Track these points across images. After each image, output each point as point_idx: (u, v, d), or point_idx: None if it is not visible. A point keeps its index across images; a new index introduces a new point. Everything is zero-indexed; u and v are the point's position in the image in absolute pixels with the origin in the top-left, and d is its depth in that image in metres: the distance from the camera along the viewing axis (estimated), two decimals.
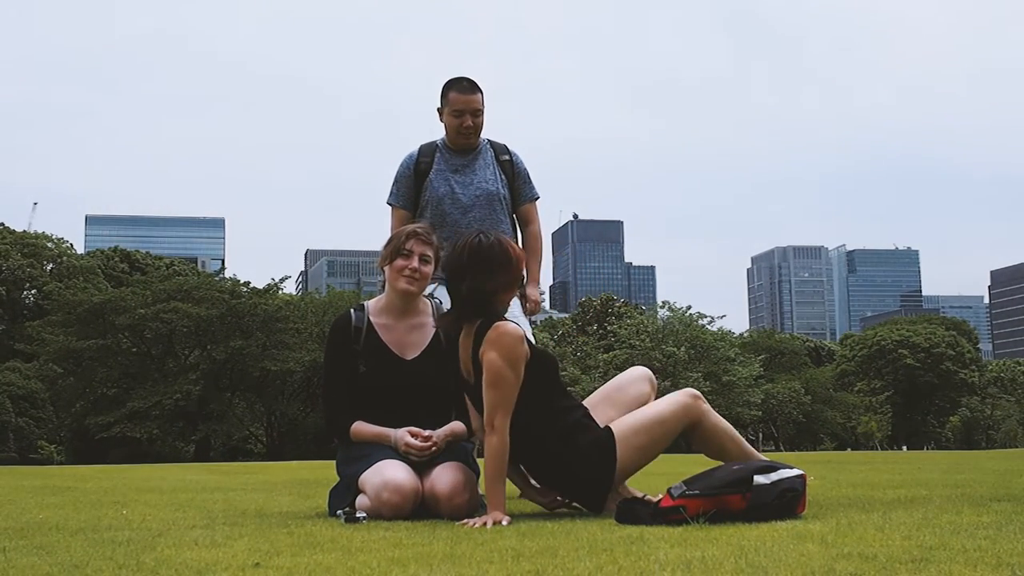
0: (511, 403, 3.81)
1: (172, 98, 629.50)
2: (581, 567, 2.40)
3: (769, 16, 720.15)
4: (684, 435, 4.07)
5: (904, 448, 63.98)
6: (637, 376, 4.29)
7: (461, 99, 5.19)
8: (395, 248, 4.25)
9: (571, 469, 3.91)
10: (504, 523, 3.55)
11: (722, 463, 3.81)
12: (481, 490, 4.27)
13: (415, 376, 4.26)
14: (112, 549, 3.01)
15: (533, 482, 4.14)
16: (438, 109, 5.29)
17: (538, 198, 5.54)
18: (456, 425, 4.24)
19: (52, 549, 3.05)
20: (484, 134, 5.39)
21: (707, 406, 4.02)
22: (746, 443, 4.08)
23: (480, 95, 5.24)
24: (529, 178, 5.50)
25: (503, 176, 5.37)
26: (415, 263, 4.22)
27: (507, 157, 5.41)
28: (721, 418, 4.05)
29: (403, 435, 4.11)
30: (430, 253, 4.27)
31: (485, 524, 3.51)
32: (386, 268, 4.29)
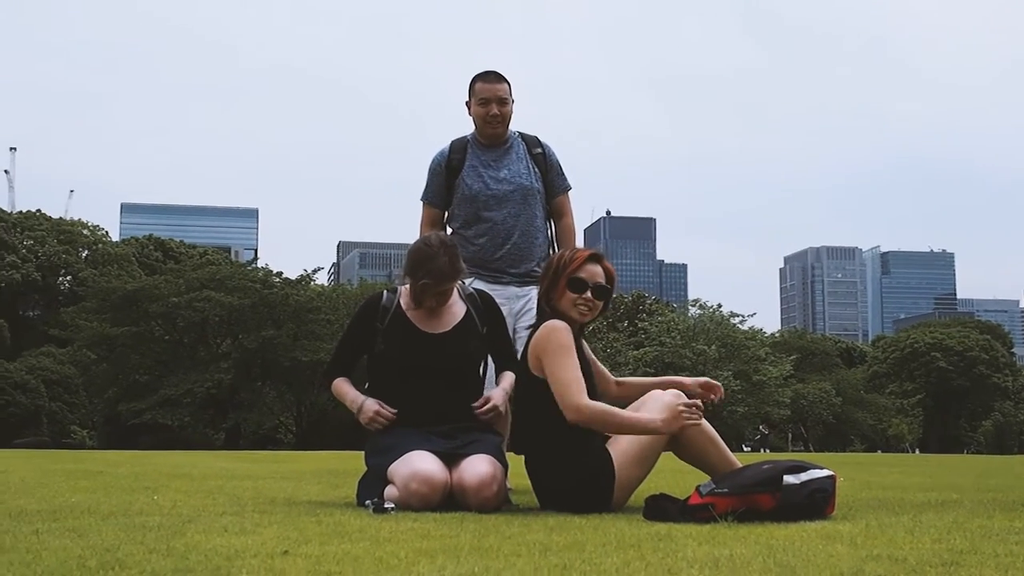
0: (579, 380, 3.86)
1: (210, 91, 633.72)
2: (608, 563, 2.40)
3: (805, 16, 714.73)
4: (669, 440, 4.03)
5: (916, 451, 63.18)
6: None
7: (486, 88, 5.18)
8: (413, 296, 4.30)
9: (571, 488, 3.89)
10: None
11: (747, 465, 3.79)
12: (510, 484, 4.28)
13: (443, 349, 4.29)
14: (143, 534, 3.03)
15: None
16: (466, 103, 5.26)
17: (570, 189, 5.49)
18: (510, 377, 4.37)
19: (84, 532, 3.08)
20: (514, 127, 5.37)
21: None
22: (727, 449, 4.06)
23: (506, 85, 5.22)
24: (561, 169, 5.46)
25: (536, 169, 5.32)
26: (433, 304, 4.29)
27: (539, 150, 5.37)
28: (704, 420, 4.04)
29: (372, 404, 4.23)
30: (444, 288, 4.25)
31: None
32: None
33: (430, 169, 5.36)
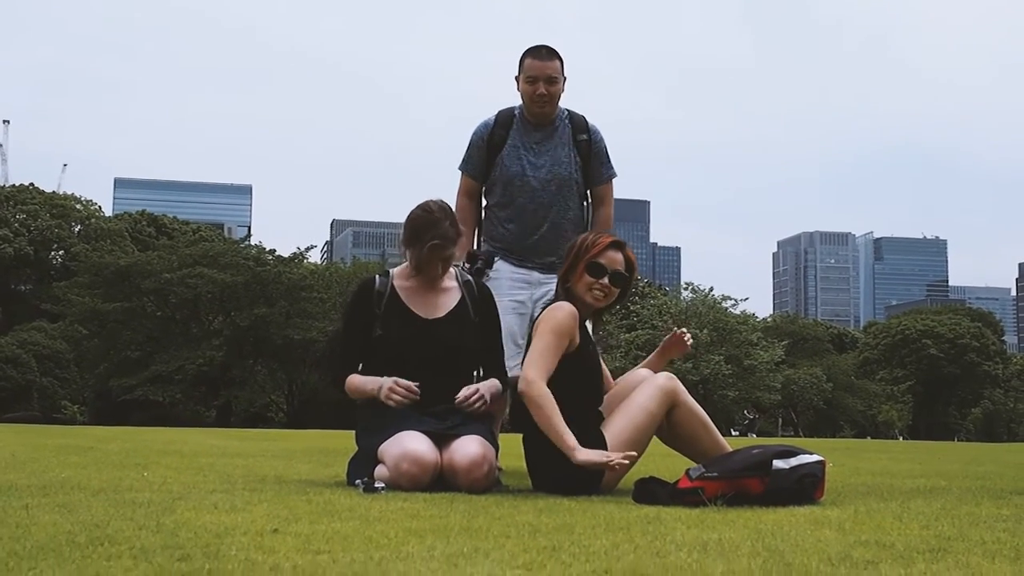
0: (548, 365, 3.85)
1: (203, 68, 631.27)
2: (597, 544, 2.41)
3: (800, 3, 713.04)
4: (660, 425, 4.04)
5: (901, 438, 63.42)
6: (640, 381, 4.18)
7: (536, 65, 4.93)
8: (419, 263, 4.27)
9: (561, 470, 3.89)
10: (597, 459, 3.63)
11: (736, 449, 3.80)
12: (500, 465, 4.28)
13: (436, 336, 4.28)
14: (133, 510, 3.03)
15: None
16: (516, 77, 5.05)
17: (614, 177, 5.28)
18: (495, 381, 4.30)
19: (74, 508, 3.08)
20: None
21: (683, 388, 4.04)
22: (719, 434, 4.07)
23: (558, 62, 4.98)
24: (606, 157, 5.23)
25: (578, 158, 5.12)
26: (439, 271, 4.30)
27: (585, 136, 5.13)
28: (696, 404, 4.06)
29: (389, 381, 4.14)
30: (450, 252, 4.27)
31: (591, 461, 3.63)
32: (411, 255, 4.31)
33: (472, 140, 5.16)
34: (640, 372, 4.26)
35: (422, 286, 4.37)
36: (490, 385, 4.27)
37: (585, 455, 3.65)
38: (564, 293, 4.08)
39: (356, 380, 4.29)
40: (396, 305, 4.32)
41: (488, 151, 5.10)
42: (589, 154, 5.15)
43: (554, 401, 3.79)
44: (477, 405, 4.15)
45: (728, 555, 2.27)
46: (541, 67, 4.93)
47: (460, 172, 5.22)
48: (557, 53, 5.00)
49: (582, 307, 4.04)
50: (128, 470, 5.13)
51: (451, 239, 4.23)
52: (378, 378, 4.20)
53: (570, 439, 3.72)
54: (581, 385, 3.97)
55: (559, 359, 3.89)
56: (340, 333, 4.49)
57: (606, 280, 4.03)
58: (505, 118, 5.11)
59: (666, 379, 4.00)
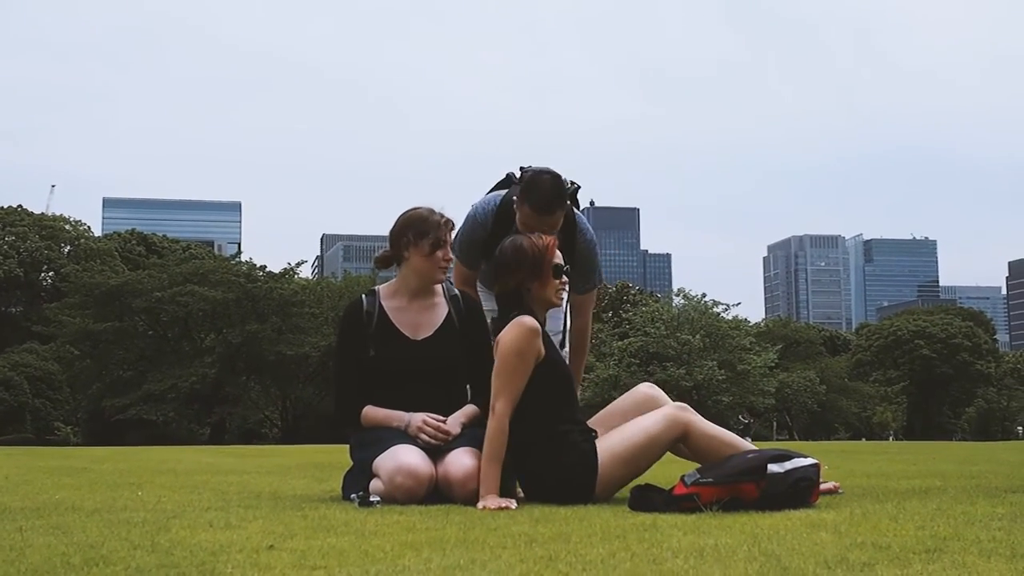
0: (515, 391, 3.85)
1: (190, 82, 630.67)
2: (594, 553, 2.41)
3: (784, 3, 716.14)
4: (678, 450, 4.01)
5: (891, 438, 63.55)
6: (641, 400, 4.19)
7: (534, 219, 4.37)
8: (435, 240, 4.24)
9: (552, 480, 3.90)
10: (492, 506, 3.58)
11: (731, 455, 3.79)
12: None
13: (426, 355, 4.27)
14: (127, 530, 3.02)
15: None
16: (513, 200, 4.54)
17: (596, 286, 4.93)
18: (470, 408, 4.24)
19: (68, 529, 3.07)
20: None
21: (695, 416, 3.98)
22: (744, 443, 4.06)
23: (559, 212, 4.42)
24: (590, 267, 4.83)
25: None
26: (450, 253, 4.30)
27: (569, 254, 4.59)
28: (712, 425, 4.02)
29: (418, 418, 4.11)
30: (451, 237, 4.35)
31: (487, 508, 3.57)
32: (413, 255, 4.28)
33: (467, 232, 4.79)
34: (641, 388, 4.27)
35: (410, 304, 4.35)
36: (460, 421, 4.17)
37: (484, 503, 3.65)
38: (530, 301, 4.00)
39: (378, 415, 4.21)
40: (385, 325, 4.31)
41: (484, 251, 4.77)
42: (572, 266, 4.56)
43: (501, 442, 3.80)
44: (439, 441, 4.07)
45: (725, 560, 2.28)
46: (540, 222, 4.37)
47: (455, 258, 4.80)
48: (561, 192, 4.44)
49: (541, 310, 4.04)
50: (122, 490, 5.12)
51: (452, 221, 4.34)
52: (402, 413, 4.15)
53: (489, 484, 3.74)
54: (554, 393, 3.96)
55: (527, 379, 3.89)
56: (338, 367, 4.40)
57: (565, 276, 4.09)
58: (503, 218, 4.68)
59: (676, 409, 3.96)
